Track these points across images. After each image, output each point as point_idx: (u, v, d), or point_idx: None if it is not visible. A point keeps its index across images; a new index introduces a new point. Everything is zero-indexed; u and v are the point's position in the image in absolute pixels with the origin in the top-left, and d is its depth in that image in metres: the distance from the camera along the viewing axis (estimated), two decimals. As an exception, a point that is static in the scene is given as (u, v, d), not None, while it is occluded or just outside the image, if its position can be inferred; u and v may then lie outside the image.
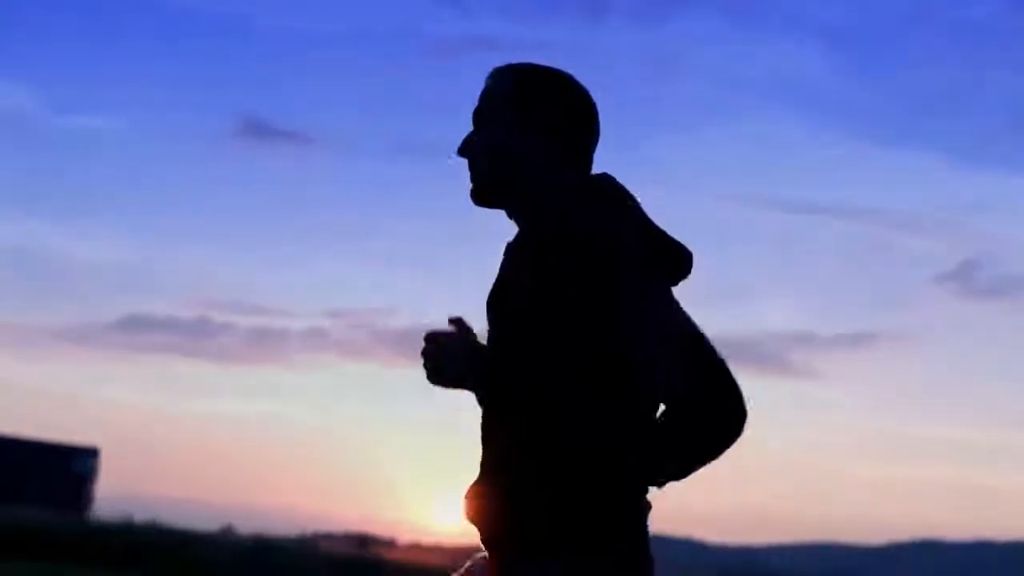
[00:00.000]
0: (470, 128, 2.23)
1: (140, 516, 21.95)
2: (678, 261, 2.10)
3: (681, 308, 2.11)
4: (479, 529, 2.11)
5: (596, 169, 2.20)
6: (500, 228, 2.24)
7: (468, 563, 2.17)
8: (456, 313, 2.11)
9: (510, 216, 2.20)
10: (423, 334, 2.10)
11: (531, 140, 2.15)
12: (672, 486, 2.13)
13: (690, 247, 2.10)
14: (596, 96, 2.21)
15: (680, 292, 2.13)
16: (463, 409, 2.17)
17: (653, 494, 2.10)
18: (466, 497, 2.12)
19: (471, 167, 2.20)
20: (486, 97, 2.21)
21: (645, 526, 2.06)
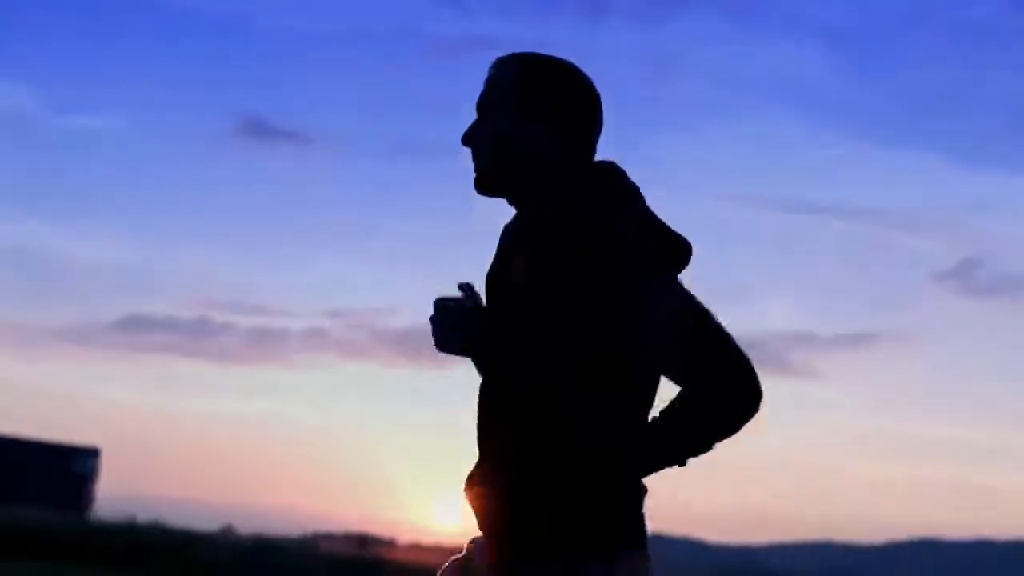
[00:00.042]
0: (476, 102, 2.22)
1: (141, 516, 21.94)
2: (678, 252, 2.10)
3: (686, 291, 2.10)
4: (479, 522, 2.11)
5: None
6: (500, 228, 2.24)
7: (468, 543, 2.17)
8: (467, 281, 2.12)
9: (513, 204, 2.19)
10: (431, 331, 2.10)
11: (535, 129, 2.15)
12: (672, 486, 2.14)
13: (691, 249, 2.11)
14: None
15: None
16: (463, 409, 2.18)
17: (658, 485, 2.11)
18: (467, 485, 2.12)
19: (475, 156, 2.19)
20: (490, 86, 2.20)
21: (644, 524, 2.07)
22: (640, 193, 2.12)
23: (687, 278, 2.14)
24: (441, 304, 2.08)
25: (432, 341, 2.10)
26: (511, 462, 2.04)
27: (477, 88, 2.23)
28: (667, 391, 2.12)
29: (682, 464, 2.08)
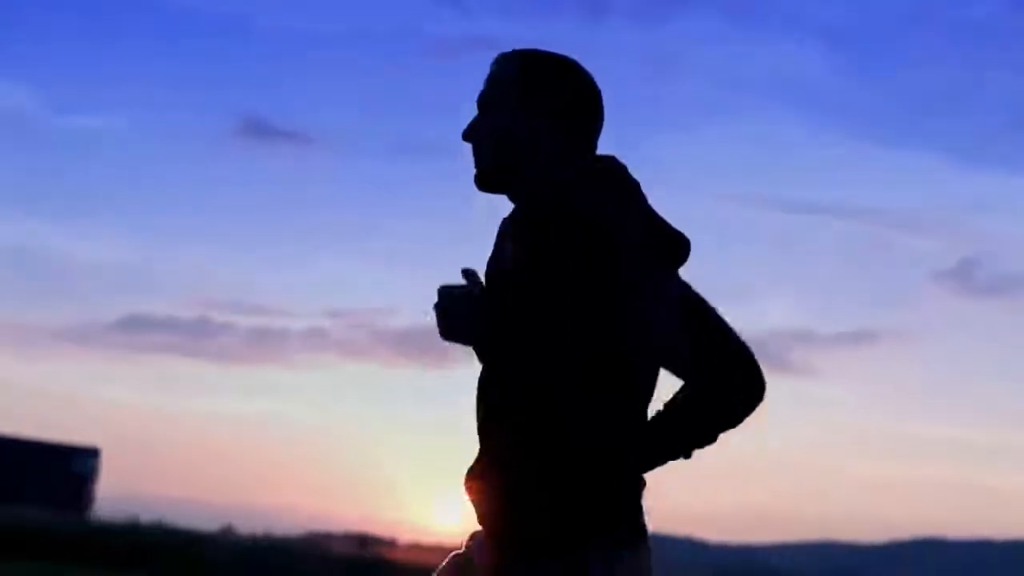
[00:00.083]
0: (477, 98, 2.22)
1: (141, 516, 21.95)
2: (676, 248, 2.11)
3: (685, 285, 2.12)
4: (478, 517, 2.11)
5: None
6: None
7: (467, 539, 2.17)
8: (469, 265, 2.11)
9: (513, 201, 2.19)
10: (430, 331, 2.10)
11: (536, 125, 2.14)
12: (673, 486, 2.14)
13: (690, 245, 2.11)
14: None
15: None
16: (463, 409, 2.17)
17: (658, 485, 2.12)
18: (467, 478, 2.11)
19: (475, 152, 2.19)
20: (491, 82, 2.20)
21: (643, 517, 2.07)
22: (640, 189, 2.12)
23: (687, 276, 2.15)
24: (446, 291, 2.06)
25: (437, 330, 2.08)
26: (511, 461, 2.03)
27: (477, 88, 2.23)
28: (665, 387, 2.14)
29: (687, 456, 2.12)
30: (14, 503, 27.87)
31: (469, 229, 2.28)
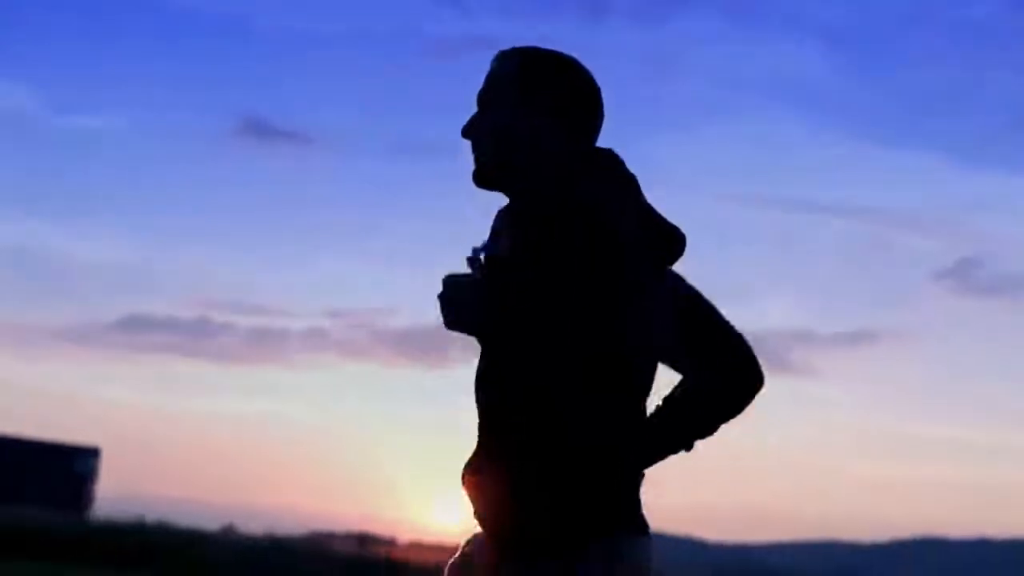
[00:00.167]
0: (477, 95, 2.22)
1: (141, 516, 21.93)
2: (673, 242, 2.12)
3: (681, 278, 2.14)
4: (476, 514, 2.11)
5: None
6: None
7: (464, 544, 2.17)
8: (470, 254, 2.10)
9: (511, 198, 2.18)
10: (432, 328, 2.10)
11: (536, 122, 2.15)
12: (672, 485, 2.15)
13: (690, 245, 2.12)
14: (596, 95, 2.21)
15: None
16: (463, 408, 2.18)
17: (657, 484, 2.13)
18: (465, 472, 2.12)
19: (475, 148, 2.19)
20: (491, 79, 2.20)
21: (644, 520, 2.07)
22: (637, 182, 2.13)
23: (684, 273, 2.16)
24: (452, 280, 2.05)
25: (440, 322, 2.07)
26: (511, 460, 2.03)
27: (477, 88, 2.22)
28: (663, 383, 2.15)
29: (688, 449, 2.17)
30: (14, 503, 27.87)
31: (469, 229, 2.27)
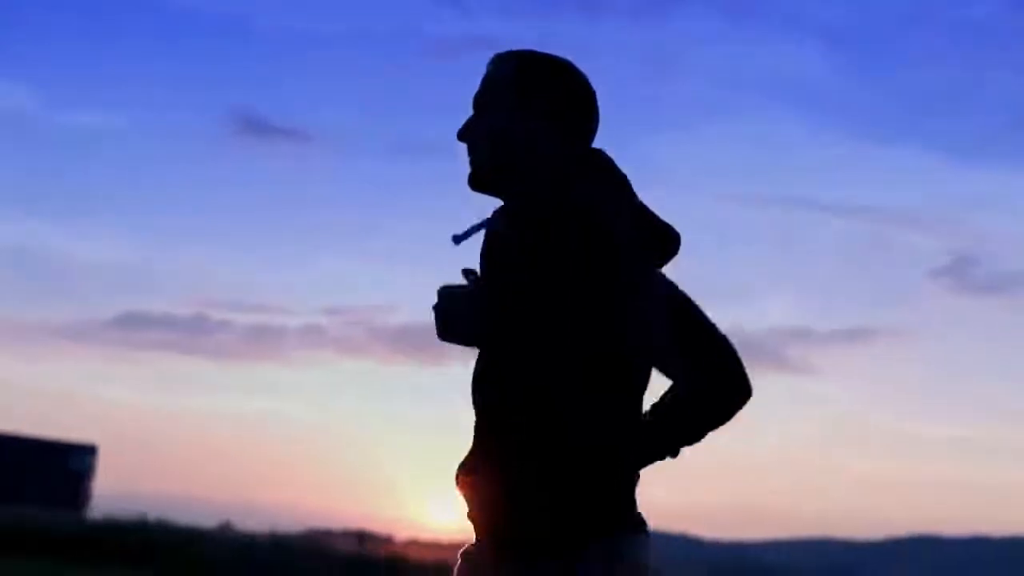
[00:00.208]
0: (473, 98, 2.23)
1: (138, 513, 21.90)
2: (667, 241, 2.13)
3: (673, 285, 2.14)
4: (475, 519, 2.11)
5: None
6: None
7: (462, 552, 2.17)
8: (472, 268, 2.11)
9: (507, 201, 2.19)
10: (428, 327, 2.10)
11: (532, 126, 2.15)
12: (668, 483, 2.16)
13: (687, 243, 2.12)
14: (596, 93, 2.22)
15: (678, 285, 2.16)
16: (461, 406, 2.18)
17: (654, 482, 2.13)
18: (460, 472, 2.12)
19: (471, 152, 2.20)
20: (487, 82, 2.21)
21: (643, 519, 2.08)
22: (629, 183, 2.14)
23: (685, 274, 2.17)
24: (447, 292, 2.07)
25: (435, 330, 2.08)
26: (510, 461, 2.04)
27: (475, 87, 2.23)
28: (657, 384, 2.16)
29: (674, 455, 2.15)
30: (10, 501, 27.84)
31: (467, 228, 2.28)
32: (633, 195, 2.13)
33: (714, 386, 2.13)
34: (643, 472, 2.13)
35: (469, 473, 2.11)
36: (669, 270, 2.15)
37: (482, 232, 2.18)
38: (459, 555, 2.16)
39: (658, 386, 2.16)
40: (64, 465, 33.51)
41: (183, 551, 18.56)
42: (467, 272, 2.10)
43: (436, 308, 2.07)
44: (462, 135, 2.20)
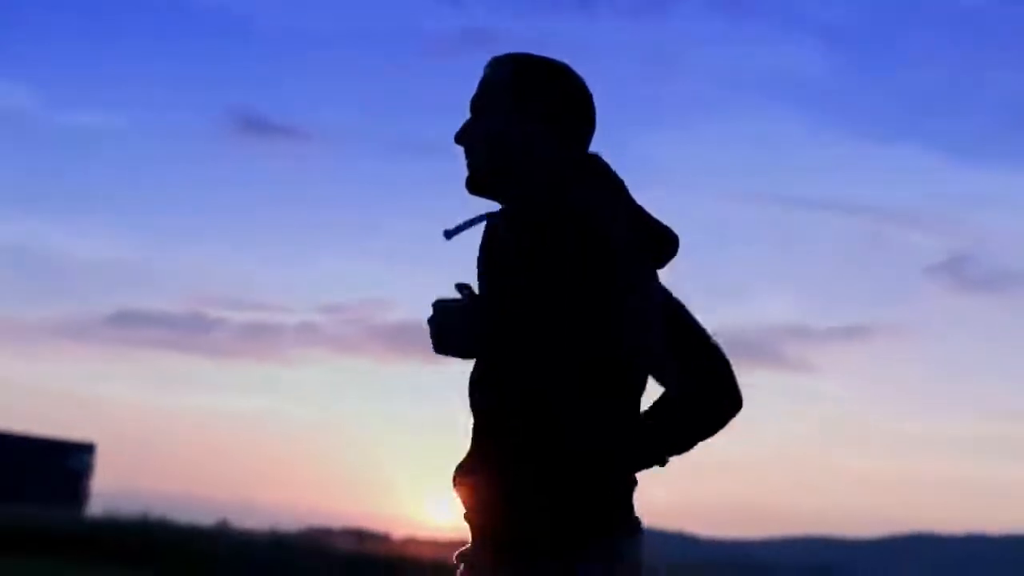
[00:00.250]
0: (470, 101, 2.23)
1: (136, 511, 21.90)
2: (665, 243, 2.13)
3: (667, 291, 2.14)
4: (473, 521, 2.12)
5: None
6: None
7: (457, 554, 2.18)
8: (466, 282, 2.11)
9: (505, 204, 2.19)
10: (423, 325, 2.09)
11: (529, 129, 2.15)
12: (665, 480, 2.17)
13: (685, 242, 2.12)
14: (594, 92, 2.22)
15: (676, 284, 2.17)
16: (459, 405, 2.18)
17: (643, 485, 2.13)
18: (457, 476, 2.13)
19: (468, 155, 2.20)
20: (484, 86, 2.21)
21: (639, 523, 2.09)
22: (624, 186, 2.14)
23: (683, 272, 2.18)
24: (441, 305, 2.08)
25: (431, 343, 2.08)
26: (508, 464, 2.04)
27: (474, 85, 2.24)
28: (653, 389, 2.16)
29: (662, 464, 2.13)
30: (8, 500, 27.83)
31: (459, 223, 2.29)
32: (630, 198, 2.13)
33: (705, 394, 2.11)
34: (641, 472, 2.14)
35: (466, 475, 2.11)
36: (667, 270, 2.15)
37: (474, 228, 2.19)
38: (455, 557, 2.16)
39: (655, 390, 2.16)
40: (62, 464, 33.49)
41: (182, 549, 18.57)
42: (461, 287, 2.09)
43: (431, 322, 2.07)
44: (459, 138, 2.21)
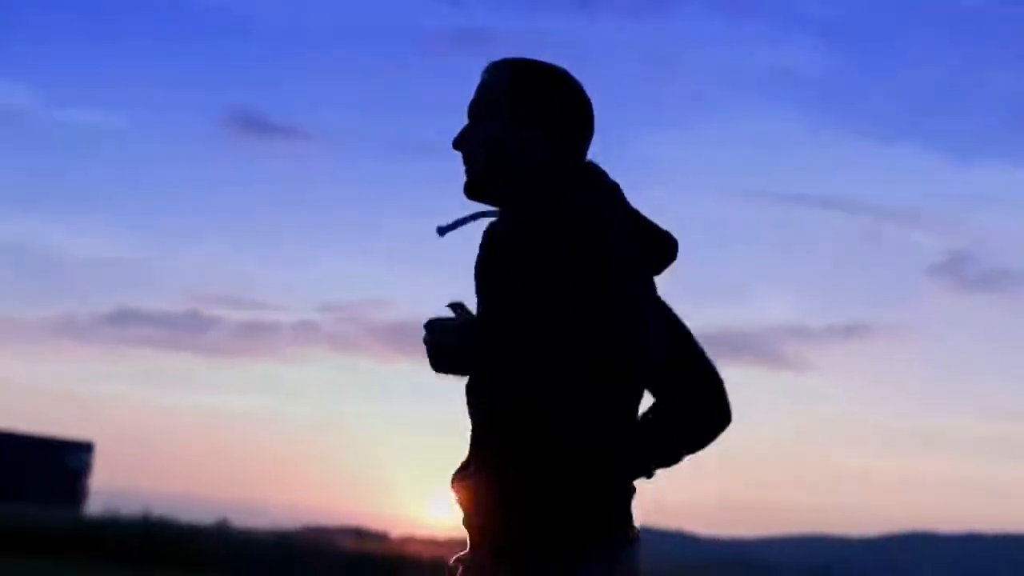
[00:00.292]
0: (466, 123, 2.23)
1: (135, 510, 21.91)
2: (664, 248, 2.14)
3: (664, 303, 2.13)
4: (471, 525, 2.11)
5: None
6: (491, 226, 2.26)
7: (455, 559, 2.17)
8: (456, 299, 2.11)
9: (502, 210, 2.19)
10: (422, 324, 2.09)
11: (527, 134, 2.16)
12: (663, 478, 2.17)
13: (684, 241, 2.12)
14: (593, 91, 2.22)
15: (674, 284, 2.17)
16: (457, 405, 2.18)
17: (642, 484, 2.13)
18: (455, 483, 2.13)
19: (466, 161, 2.20)
20: (482, 91, 2.22)
21: (635, 529, 2.08)
22: (621, 191, 2.14)
23: (682, 270, 2.18)
24: (436, 325, 2.07)
25: (428, 363, 2.08)
26: (505, 469, 2.04)
27: (474, 85, 2.24)
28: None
29: (649, 476, 2.12)
30: (7, 499, 27.84)
31: (452, 220, 2.30)
32: (627, 203, 2.13)
33: (694, 407, 2.10)
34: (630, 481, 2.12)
35: (465, 480, 2.11)
36: (667, 270, 2.15)
37: (467, 227, 2.19)
38: (453, 561, 2.16)
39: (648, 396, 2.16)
40: (61, 462, 33.49)
41: (181, 548, 18.58)
42: (453, 305, 2.09)
43: (426, 342, 2.07)
44: (457, 144, 2.21)
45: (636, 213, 2.13)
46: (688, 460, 2.17)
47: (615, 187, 2.14)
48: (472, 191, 2.20)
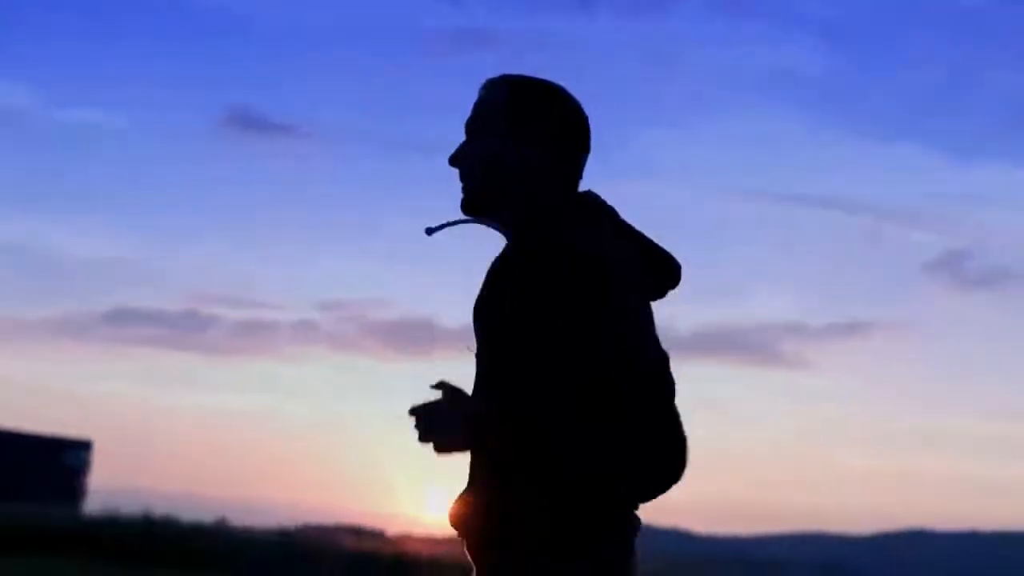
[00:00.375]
0: (465, 123, 2.23)
1: (134, 509, 21.93)
2: (667, 272, 2.15)
3: (656, 338, 2.07)
4: (467, 538, 2.11)
5: (588, 173, 2.23)
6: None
7: None
8: (440, 379, 2.03)
9: (500, 228, 2.21)
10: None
11: (525, 152, 2.16)
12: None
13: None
14: (593, 91, 2.25)
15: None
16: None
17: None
18: (455, 510, 2.12)
19: (463, 177, 2.20)
20: (479, 108, 2.21)
21: (632, 537, 2.07)
22: (617, 215, 2.15)
23: (681, 271, 2.19)
24: (423, 410, 2.00)
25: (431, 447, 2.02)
26: (503, 482, 2.03)
27: (473, 84, 2.25)
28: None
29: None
30: (6, 498, 27.84)
31: (465, 226, 2.33)
32: (627, 225, 2.14)
33: (656, 450, 1.96)
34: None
35: (464, 505, 2.11)
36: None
37: (461, 227, 2.20)
38: None
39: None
40: (59, 461, 33.48)
41: (180, 547, 18.60)
42: (437, 386, 2.02)
43: (418, 428, 1.99)
44: (454, 160, 2.21)
45: (639, 235, 2.14)
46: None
47: (612, 211, 2.15)
48: (469, 208, 2.20)
